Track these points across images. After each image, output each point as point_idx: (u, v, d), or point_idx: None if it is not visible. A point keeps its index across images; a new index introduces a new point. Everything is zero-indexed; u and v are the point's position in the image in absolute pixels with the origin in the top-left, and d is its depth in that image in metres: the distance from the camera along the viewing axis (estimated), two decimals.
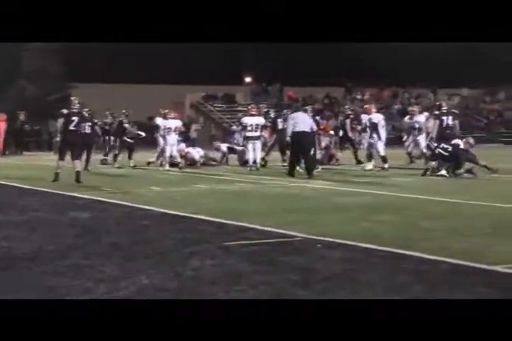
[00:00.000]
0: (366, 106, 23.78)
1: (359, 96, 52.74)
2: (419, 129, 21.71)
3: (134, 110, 25.70)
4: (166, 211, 10.97)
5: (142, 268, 6.75)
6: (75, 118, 16.74)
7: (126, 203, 12.00)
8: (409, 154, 22.73)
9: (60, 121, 16.87)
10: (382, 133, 21.26)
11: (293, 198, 12.98)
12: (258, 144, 21.23)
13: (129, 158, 22.88)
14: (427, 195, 13.10)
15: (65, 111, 17.01)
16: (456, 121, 20.49)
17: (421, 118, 22.03)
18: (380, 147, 21.13)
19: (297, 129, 18.38)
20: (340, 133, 25.07)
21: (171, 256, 7.37)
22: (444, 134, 19.49)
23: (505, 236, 8.46)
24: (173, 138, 21.80)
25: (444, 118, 20.07)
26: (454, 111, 22.11)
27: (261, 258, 7.21)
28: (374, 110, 22.21)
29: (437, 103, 23.63)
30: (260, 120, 21.86)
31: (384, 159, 20.93)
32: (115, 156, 23.29)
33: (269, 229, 9.05)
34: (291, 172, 18.41)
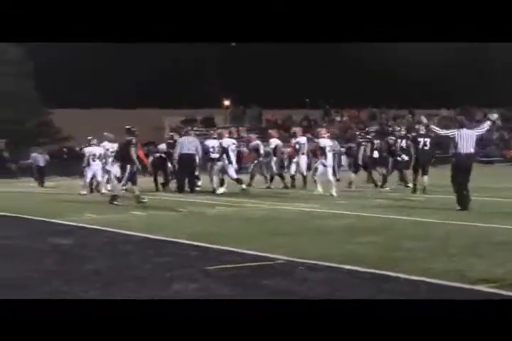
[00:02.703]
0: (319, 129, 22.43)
1: (338, 118, 52.87)
2: (299, 150, 22.00)
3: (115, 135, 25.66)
4: (148, 236, 10.90)
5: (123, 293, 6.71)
6: None
7: (108, 229, 11.93)
8: (292, 176, 22.62)
9: None
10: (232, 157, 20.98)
11: (275, 221, 12.90)
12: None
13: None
14: (404, 215, 13.16)
15: None
16: (410, 143, 20.63)
17: (302, 139, 22.16)
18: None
19: (184, 152, 20.84)
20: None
21: (152, 281, 7.32)
22: (421, 156, 19.96)
23: (484, 255, 8.48)
24: (97, 163, 22.29)
25: (421, 139, 20.30)
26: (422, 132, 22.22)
27: (243, 282, 7.18)
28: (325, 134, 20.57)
29: (416, 126, 23.59)
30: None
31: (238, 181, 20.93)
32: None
33: (251, 252, 9.01)
34: (180, 190, 20.86)
